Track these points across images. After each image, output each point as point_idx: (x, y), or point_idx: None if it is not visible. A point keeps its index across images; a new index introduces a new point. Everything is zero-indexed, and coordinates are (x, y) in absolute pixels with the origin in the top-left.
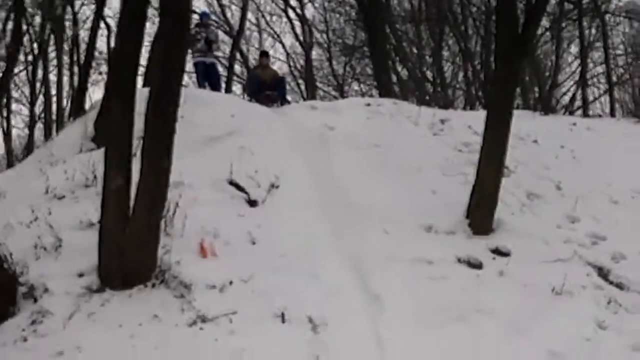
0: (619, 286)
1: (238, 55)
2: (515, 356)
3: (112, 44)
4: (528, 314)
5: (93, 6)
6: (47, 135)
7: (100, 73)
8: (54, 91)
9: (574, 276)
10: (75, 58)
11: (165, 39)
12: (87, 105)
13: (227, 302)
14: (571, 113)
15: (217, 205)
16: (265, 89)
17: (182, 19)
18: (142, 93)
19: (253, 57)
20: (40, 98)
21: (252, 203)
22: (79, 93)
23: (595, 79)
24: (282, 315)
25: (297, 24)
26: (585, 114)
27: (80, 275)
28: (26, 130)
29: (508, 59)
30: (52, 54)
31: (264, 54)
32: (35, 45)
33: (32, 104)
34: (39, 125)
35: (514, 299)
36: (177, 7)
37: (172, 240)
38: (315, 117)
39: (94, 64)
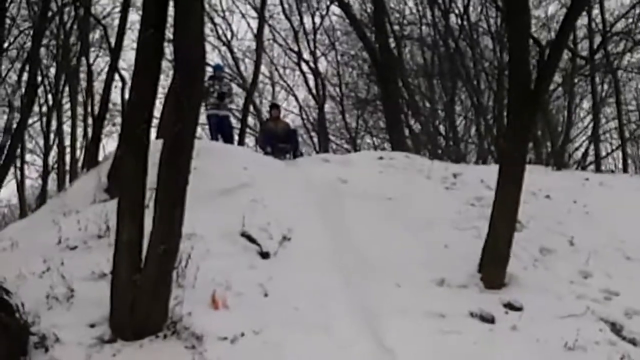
0: (633, 342)
1: (251, 108)
2: None
3: (126, 96)
4: None
5: (107, 58)
6: (60, 186)
7: (114, 124)
8: (67, 142)
9: (587, 332)
10: (89, 109)
11: (179, 91)
12: (100, 157)
13: (239, 354)
14: (583, 168)
15: (229, 257)
16: (278, 141)
17: (196, 71)
18: (155, 145)
19: (266, 110)
20: (54, 149)
21: (264, 255)
22: (93, 144)
23: (607, 135)
24: None
25: (310, 77)
26: (598, 170)
27: (92, 325)
28: (39, 181)
29: (520, 113)
30: (66, 106)
31: (274, 107)
32: (49, 96)
33: (46, 154)
34: (52, 176)
35: (527, 354)
36: (191, 59)
37: (184, 291)
38: (328, 170)
39: (107, 116)
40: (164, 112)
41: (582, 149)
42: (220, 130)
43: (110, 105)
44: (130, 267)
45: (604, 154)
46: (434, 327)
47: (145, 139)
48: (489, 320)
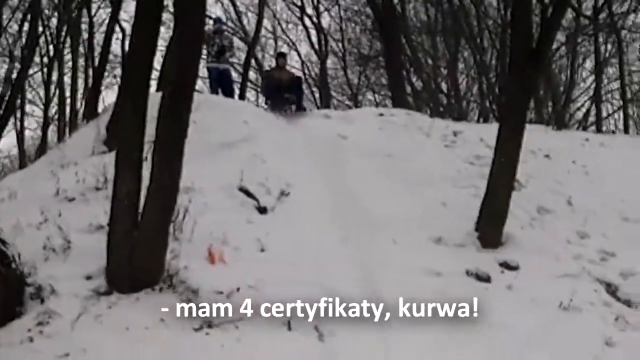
0: (627, 303)
1: (253, 62)
2: None
3: (127, 48)
4: (535, 329)
5: (109, 10)
6: (60, 137)
7: (115, 76)
8: (68, 93)
9: (582, 292)
10: (90, 61)
11: (179, 44)
12: (100, 108)
13: (236, 308)
14: (584, 129)
15: (227, 211)
16: (282, 90)
17: (197, 23)
18: (155, 97)
19: (268, 65)
20: (54, 100)
21: (262, 210)
22: (93, 95)
23: (609, 95)
24: (289, 323)
25: (312, 32)
26: (599, 130)
27: (88, 277)
28: (39, 132)
29: (522, 72)
30: (67, 57)
31: (281, 55)
32: (50, 47)
33: (46, 105)
34: (52, 127)
35: (522, 313)
36: (192, 11)
37: (181, 245)
38: (329, 126)
39: (108, 67)
40: (165, 65)
41: (584, 110)
42: (221, 83)
43: (111, 57)
44: (128, 219)
45: (605, 114)
46: (431, 285)
47: (144, 91)
48: (485, 279)
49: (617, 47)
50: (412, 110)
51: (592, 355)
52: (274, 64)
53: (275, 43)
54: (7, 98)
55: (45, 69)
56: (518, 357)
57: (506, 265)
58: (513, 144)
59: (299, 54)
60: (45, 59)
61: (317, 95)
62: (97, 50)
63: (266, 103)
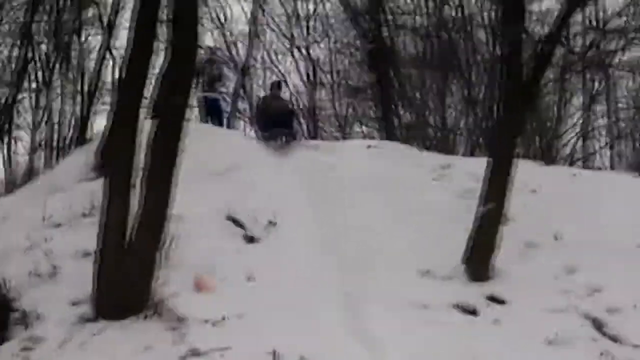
0: (614, 338)
1: (242, 92)
2: None
3: (117, 75)
4: None
5: (99, 37)
6: (48, 163)
7: (104, 103)
8: (56, 119)
9: (569, 327)
10: (80, 87)
11: (171, 72)
12: (89, 135)
13: (221, 337)
14: (571, 164)
15: (216, 240)
16: (276, 121)
17: (191, 52)
18: (145, 125)
19: (256, 95)
20: (43, 126)
21: (251, 239)
22: (83, 122)
23: (597, 132)
24: (274, 353)
25: (302, 63)
26: (586, 166)
27: (75, 303)
28: (26, 157)
29: (513, 107)
30: (56, 83)
31: (276, 84)
32: (39, 73)
33: (34, 131)
34: (39, 153)
35: (508, 347)
36: (184, 41)
37: (169, 272)
38: (317, 157)
39: (98, 94)
40: (155, 93)
41: (571, 145)
42: (211, 112)
43: (100, 84)
44: (116, 246)
45: (592, 151)
46: (417, 318)
47: (135, 119)
48: (472, 312)
49: (605, 84)
50: (401, 143)
51: None
52: (267, 92)
53: (265, 73)
54: None
55: (34, 95)
56: None
57: (493, 299)
58: (502, 178)
59: (287, 85)
60: (34, 85)
61: (305, 126)
62: (87, 76)
63: (256, 133)
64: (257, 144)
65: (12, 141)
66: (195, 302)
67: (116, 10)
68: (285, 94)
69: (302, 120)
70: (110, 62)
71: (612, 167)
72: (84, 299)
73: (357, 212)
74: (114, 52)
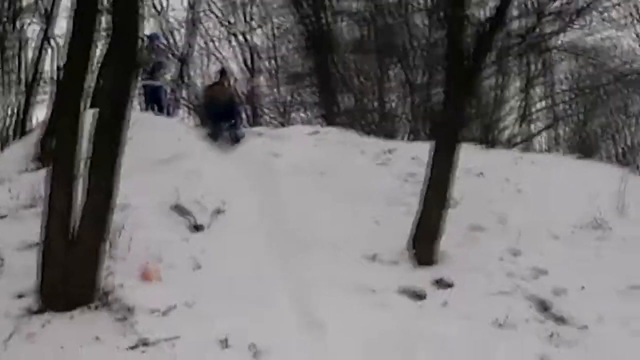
0: (561, 320)
1: (182, 81)
2: None
3: (57, 65)
4: (471, 345)
5: (37, 26)
6: None
7: (44, 93)
8: None
9: (517, 309)
10: (17, 77)
11: (115, 61)
12: (29, 126)
13: (170, 327)
14: (512, 147)
15: (162, 229)
16: (220, 112)
17: (132, 40)
18: (89, 114)
19: (199, 82)
20: None
21: (197, 228)
22: (23, 112)
23: (536, 115)
24: (225, 341)
25: (244, 49)
26: (525, 150)
27: (20, 296)
28: None
29: (456, 91)
30: None
31: (222, 73)
32: None
33: None
34: None
35: (457, 330)
36: (127, 28)
37: (116, 262)
38: (262, 144)
39: (37, 84)
40: (98, 81)
41: (511, 128)
42: (154, 100)
43: (39, 74)
44: (61, 237)
45: (531, 133)
46: (365, 302)
47: (78, 108)
48: (420, 296)
49: (543, 67)
50: (342, 128)
51: None
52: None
53: (204, 61)
54: None
55: None
56: None
57: (441, 283)
58: (447, 162)
59: (228, 72)
60: None
61: (246, 112)
62: (25, 66)
63: (205, 128)
64: (201, 132)
65: None
66: (142, 292)
67: None
68: (229, 82)
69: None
70: (49, 52)
71: (550, 150)
72: (30, 291)
73: (303, 198)
74: (52, 41)
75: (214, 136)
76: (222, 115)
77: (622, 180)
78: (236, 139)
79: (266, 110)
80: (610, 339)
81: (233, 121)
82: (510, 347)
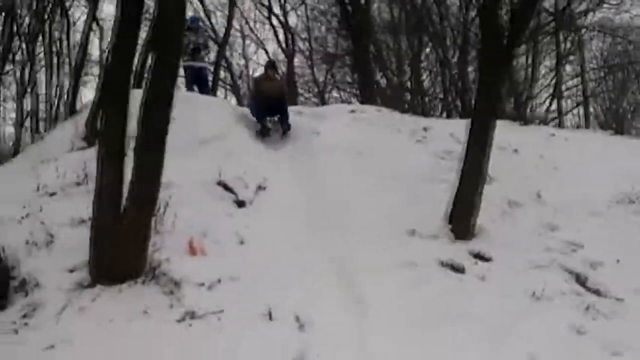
0: (597, 293)
1: (223, 61)
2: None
3: (104, 46)
4: (509, 318)
5: (83, 9)
6: (34, 135)
7: (87, 74)
8: (42, 90)
9: (553, 282)
10: (64, 59)
11: (160, 43)
12: (78, 106)
13: (216, 300)
14: (545, 124)
15: (206, 205)
16: (269, 105)
17: (177, 23)
18: (134, 94)
19: (236, 62)
20: (28, 98)
21: (240, 204)
22: (72, 94)
23: (569, 92)
24: (270, 313)
25: (279, 31)
26: (560, 126)
27: (72, 270)
28: (9, 129)
29: (492, 69)
30: (41, 55)
31: (271, 65)
32: (24, 45)
33: (20, 104)
34: (26, 125)
35: (495, 303)
36: (173, 12)
37: (162, 238)
38: (302, 122)
39: (85, 65)
40: (143, 63)
41: (545, 106)
42: (197, 81)
43: (87, 55)
44: (110, 213)
45: (565, 110)
46: (406, 277)
47: (125, 88)
48: (459, 270)
49: (576, 44)
50: (379, 107)
51: (565, 344)
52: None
53: (244, 41)
54: None
55: (18, 67)
56: (491, 345)
57: (479, 257)
58: (483, 139)
59: (267, 53)
60: (18, 57)
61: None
62: (73, 48)
63: (255, 123)
64: (243, 111)
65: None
66: (188, 266)
67: None
68: (278, 75)
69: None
70: (97, 33)
71: (586, 126)
72: (81, 266)
73: (342, 175)
74: (98, 24)
75: (264, 132)
76: (271, 109)
77: None
78: (287, 130)
79: (302, 90)
80: (616, 307)
81: (281, 115)
82: (547, 319)
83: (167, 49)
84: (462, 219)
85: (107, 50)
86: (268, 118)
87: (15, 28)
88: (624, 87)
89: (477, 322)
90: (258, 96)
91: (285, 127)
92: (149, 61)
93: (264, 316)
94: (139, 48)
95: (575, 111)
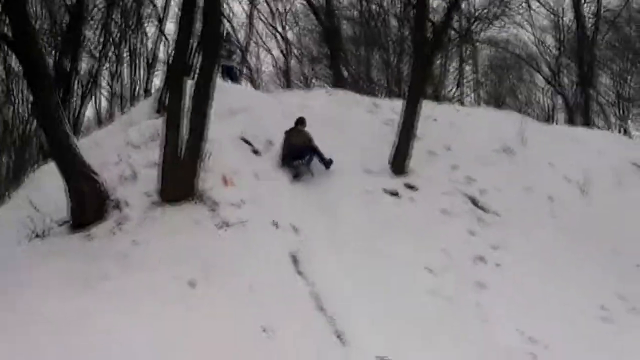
0: (484, 209)
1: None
2: (416, 251)
3: (169, 51)
4: (428, 225)
5: (155, 23)
6: (122, 108)
7: (158, 69)
8: (126, 80)
9: (457, 203)
10: (142, 60)
11: (205, 48)
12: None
13: (242, 214)
14: (452, 103)
15: (235, 153)
16: (295, 154)
17: (217, 36)
18: (189, 83)
19: (253, 64)
20: (119, 85)
21: (256, 152)
22: (146, 82)
23: (467, 83)
24: (276, 223)
25: (281, 41)
26: (462, 104)
27: (148, 195)
28: (106, 105)
29: (419, 68)
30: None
31: (300, 121)
32: (116, 50)
33: (112, 89)
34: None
35: (419, 215)
36: (213, 28)
37: (206, 174)
38: (297, 100)
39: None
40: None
41: (452, 91)
42: (229, 75)
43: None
44: (173, 158)
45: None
46: (363, 199)
47: (182, 77)
48: (396, 194)
49: (472, 52)
50: (346, 91)
51: (464, 241)
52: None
53: (258, 48)
54: (89, 86)
55: (112, 64)
56: (416, 243)
57: (409, 186)
58: (413, 112)
59: (273, 56)
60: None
61: (284, 83)
62: (147, 52)
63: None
64: (259, 93)
65: (99, 94)
66: (223, 193)
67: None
68: (304, 127)
69: (281, 79)
70: (164, 41)
71: (477, 104)
72: (153, 192)
73: (322, 134)
74: (164, 37)
75: (297, 176)
76: (297, 157)
77: (521, 122)
78: (329, 164)
79: (296, 81)
80: (514, 220)
81: (306, 158)
82: (452, 226)
83: (210, 52)
84: (399, 162)
85: (170, 53)
86: (297, 162)
87: (107, 36)
88: (502, 80)
89: (407, 227)
90: (286, 144)
91: (326, 162)
92: (198, 60)
93: (272, 225)
94: (191, 52)
95: (472, 95)
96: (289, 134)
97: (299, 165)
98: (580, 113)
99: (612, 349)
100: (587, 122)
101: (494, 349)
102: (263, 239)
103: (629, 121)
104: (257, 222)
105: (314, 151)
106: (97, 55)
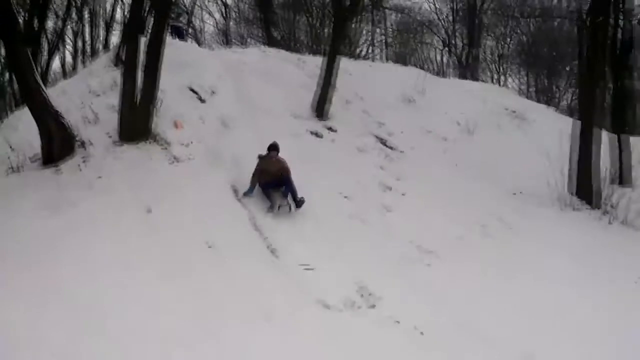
0: (391, 148)
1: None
2: (336, 181)
3: (125, 12)
4: (345, 160)
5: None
6: (85, 62)
7: (115, 28)
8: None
9: (369, 143)
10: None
11: (156, 9)
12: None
13: (190, 152)
14: (365, 60)
15: (183, 101)
16: (271, 181)
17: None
18: (143, 41)
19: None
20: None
21: (202, 100)
22: (106, 38)
23: (378, 43)
24: (221, 158)
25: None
26: (373, 61)
27: (109, 135)
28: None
29: (341, 27)
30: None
31: (273, 147)
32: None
33: (75, 45)
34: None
35: (340, 154)
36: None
37: (159, 118)
38: (236, 57)
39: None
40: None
41: (365, 50)
42: (177, 33)
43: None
44: (130, 103)
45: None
46: (292, 139)
47: (137, 35)
48: (320, 136)
49: (382, 17)
50: (277, 49)
51: (374, 173)
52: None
53: (202, 10)
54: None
55: (75, 23)
56: (337, 175)
57: (330, 129)
58: (332, 66)
59: (214, 18)
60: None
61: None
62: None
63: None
64: (203, 50)
65: (64, 50)
66: (174, 134)
67: None
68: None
69: (222, 38)
70: (120, 4)
71: (386, 61)
72: (113, 132)
73: (257, 85)
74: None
75: (272, 208)
76: (274, 183)
77: (422, 77)
78: (300, 203)
79: (235, 41)
80: (415, 157)
81: (284, 187)
82: (365, 162)
83: (160, 14)
84: (321, 107)
85: (125, 14)
86: (271, 190)
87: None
88: (408, 42)
89: (329, 163)
90: (261, 171)
91: (297, 200)
92: (151, 21)
93: (217, 159)
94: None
95: (381, 53)
96: (263, 160)
97: (278, 196)
98: (469, 69)
99: (491, 258)
100: (475, 77)
101: (394, 257)
102: (207, 172)
103: (507, 75)
104: (202, 158)
105: (289, 184)
106: (62, 16)
